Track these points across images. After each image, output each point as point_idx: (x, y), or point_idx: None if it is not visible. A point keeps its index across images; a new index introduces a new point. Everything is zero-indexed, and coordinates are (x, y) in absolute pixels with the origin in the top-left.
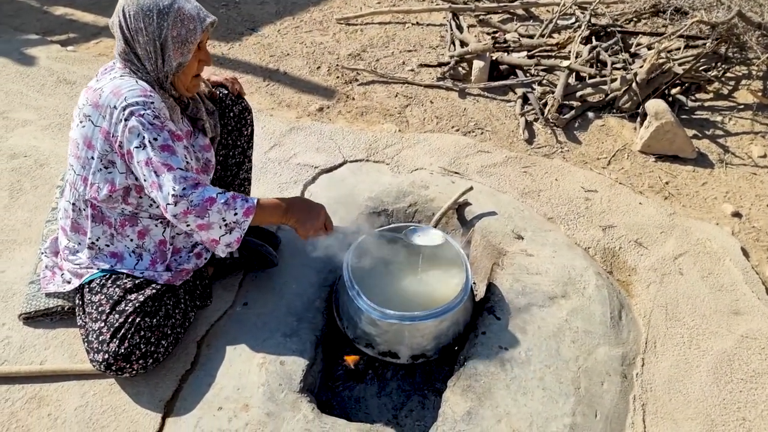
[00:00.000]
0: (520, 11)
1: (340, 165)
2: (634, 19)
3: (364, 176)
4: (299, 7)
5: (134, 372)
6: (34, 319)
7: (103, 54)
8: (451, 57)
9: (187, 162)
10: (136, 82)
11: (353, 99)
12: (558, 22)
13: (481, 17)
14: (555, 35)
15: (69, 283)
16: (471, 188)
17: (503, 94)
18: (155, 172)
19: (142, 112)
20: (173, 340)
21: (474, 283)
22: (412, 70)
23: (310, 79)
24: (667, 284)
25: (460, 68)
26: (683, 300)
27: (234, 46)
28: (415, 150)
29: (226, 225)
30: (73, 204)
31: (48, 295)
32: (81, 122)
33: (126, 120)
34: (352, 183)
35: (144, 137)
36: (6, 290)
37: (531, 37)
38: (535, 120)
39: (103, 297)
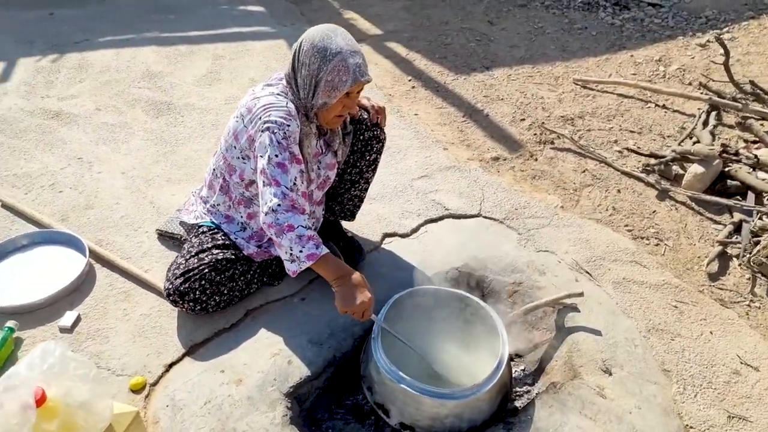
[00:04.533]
0: None
1: (472, 216)
2: None
3: (486, 236)
4: (546, 59)
5: (184, 309)
6: (164, 236)
7: None
8: (673, 152)
9: (294, 183)
10: (287, 104)
11: (535, 160)
12: None
13: (748, 120)
14: None
15: (194, 219)
16: (581, 294)
17: (717, 213)
18: (264, 182)
19: (275, 131)
20: (227, 299)
21: (537, 394)
22: (620, 152)
23: (506, 129)
24: None
25: (674, 167)
26: None
27: (459, 78)
28: (560, 232)
29: (291, 254)
30: (214, 169)
31: (180, 223)
32: (237, 118)
33: (262, 132)
34: (470, 237)
35: (268, 151)
36: (166, 209)
37: None
38: (737, 257)
39: (197, 241)
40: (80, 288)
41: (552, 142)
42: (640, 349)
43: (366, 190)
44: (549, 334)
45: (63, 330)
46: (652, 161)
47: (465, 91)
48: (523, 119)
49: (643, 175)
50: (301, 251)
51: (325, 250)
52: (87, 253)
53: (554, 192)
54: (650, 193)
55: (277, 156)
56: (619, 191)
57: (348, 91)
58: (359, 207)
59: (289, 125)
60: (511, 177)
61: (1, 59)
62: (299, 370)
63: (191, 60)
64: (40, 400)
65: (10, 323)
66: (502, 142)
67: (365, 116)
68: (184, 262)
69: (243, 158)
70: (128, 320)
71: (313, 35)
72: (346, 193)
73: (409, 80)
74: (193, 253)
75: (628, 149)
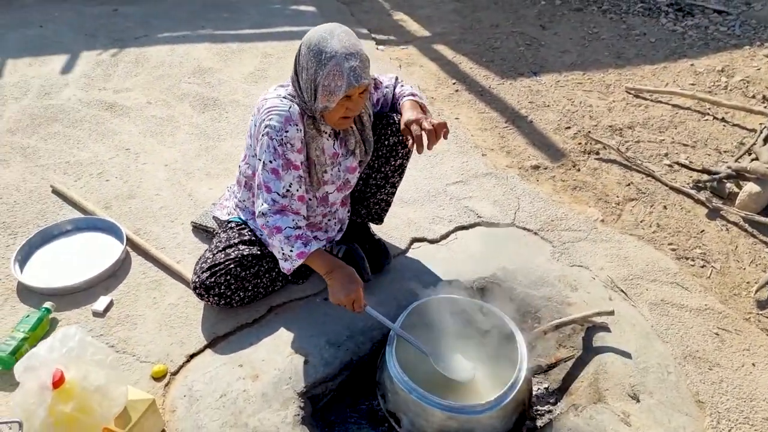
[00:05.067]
0: None
1: (505, 225)
2: None
3: (519, 247)
4: (598, 66)
5: (209, 302)
6: (197, 229)
7: (399, 59)
8: (728, 168)
9: (288, 190)
10: (289, 108)
11: (578, 170)
12: None
13: None
14: None
15: (227, 215)
16: (611, 312)
17: None
18: (258, 185)
19: (273, 136)
20: (251, 295)
21: (558, 415)
22: (670, 166)
23: (550, 137)
24: None
25: (729, 184)
26: None
27: (505, 83)
28: (597, 247)
29: (282, 253)
30: (240, 166)
31: (213, 217)
32: (252, 116)
33: (262, 136)
34: (501, 247)
35: (264, 156)
36: (202, 202)
37: None
38: None
39: (225, 236)
40: (116, 274)
41: (597, 153)
42: (673, 376)
43: (393, 194)
44: (576, 352)
45: (96, 314)
46: (705, 177)
47: (509, 97)
48: (569, 127)
49: (693, 192)
50: (291, 250)
51: (313, 248)
52: (125, 241)
53: (595, 205)
54: (699, 211)
55: (271, 162)
56: (665, 207)
57: (348, 94)
58: (386, 211)
59: (287, 131)
60: (551, 187)
61: (66, 52)
62: (315, 370)
63: (240, 58)
64: (59, 382)
65: (47, 304)
66: (543, 150)
67: (394, 118)
68: (211, 256)
69: (255, 156)
70: (157, 308)
71: (310, 38)
72: (372, 197)
73: (453, 83)
74: (220, 248)
75: (678, 163)
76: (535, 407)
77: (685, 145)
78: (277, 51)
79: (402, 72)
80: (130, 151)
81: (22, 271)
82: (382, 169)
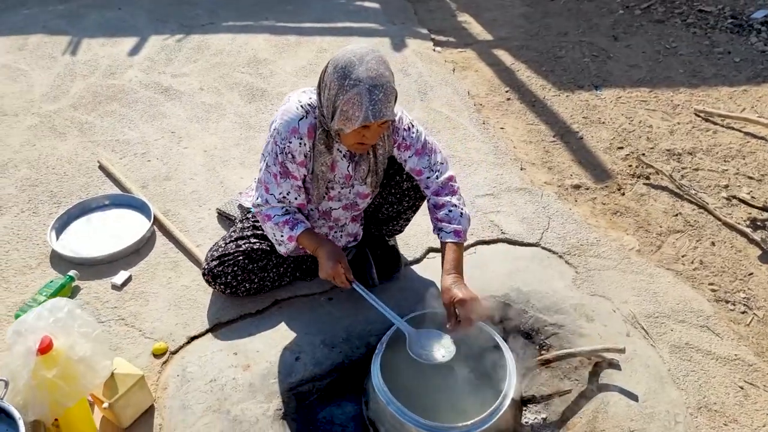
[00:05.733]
0: None
1: (529, 245)
2: None
3: (539, 269)
4: (669, 83)
5: (216, 289)
6: (221, 216)
7: (454, 62)
8: None
9: (285, 197)
10: (300, 119)
11: (622, 194)
12: None
13: None
14: None
15: (249, 204)
16: (622, 350)
17: None
18: (259, 181)
19: (277, 142)
20: (256, 287)
21: None
22: (728, 200)
23: (599, 155)
24: None
25: None
26: None
27: (561, 95)
28: (625, 278)
29: (276, 239)
30: None
31: (239, 206)
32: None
33: (270, 136)
34: (520, 267)
35: (266, 157)
36: (232, 191)
37: None
38: None
39: (240, 227)
40: (139, 251)
41: (647, 177)
42: (681, 426)
43: (406, 225)
44: (580, 386)
45: (114, 287)
46: (764, 215)
47: (563, 110)
48: (621, 147)
49: (748, 230)
50: (282, 235)
51: (300, 230)
52: (152, 220)
53: (634, 233)
54: (752, 252)
55: (274, 165)
56: (713, 244)
57: (365, 125)
58: (399, 233)
59: (290, 142)
60: (589, 209)
61: (137, 35)
62: (304, 368)
63: (296, 51)
64: (47, 348)
65: (72, 272)
66: (589, 170)
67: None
68: (223, 245)
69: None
70: (170, 288)
71: (338, 58)
72: (385, 225)
73: (506, 91)
74: (233, 238)
75: (737, 197)
76: None
77: (750, 177)
78: (332, 46)
79: (455, 76)
80: (174, 134)
81: (57, 239)
82: (395, 206)
